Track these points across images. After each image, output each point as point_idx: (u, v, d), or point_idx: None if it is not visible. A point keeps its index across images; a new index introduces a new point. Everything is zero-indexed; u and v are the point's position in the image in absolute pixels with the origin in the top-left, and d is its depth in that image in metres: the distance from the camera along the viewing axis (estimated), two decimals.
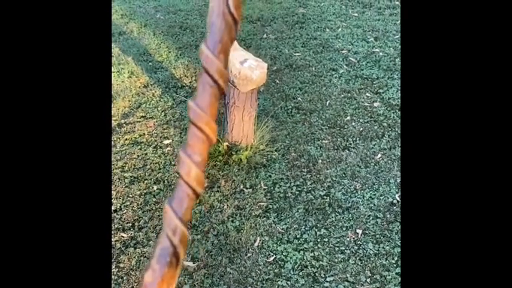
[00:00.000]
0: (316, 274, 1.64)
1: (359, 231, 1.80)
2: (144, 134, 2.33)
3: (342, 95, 2.64)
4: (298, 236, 1.78)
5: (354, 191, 1.99)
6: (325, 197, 1.96)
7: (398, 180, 2.05)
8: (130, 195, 1.97)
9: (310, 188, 2.00)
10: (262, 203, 1.93)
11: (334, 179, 2.06)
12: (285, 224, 1.84)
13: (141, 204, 1.92)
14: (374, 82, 2.76)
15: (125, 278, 1.62)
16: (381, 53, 3.06)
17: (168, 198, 0.37)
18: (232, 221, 1.85)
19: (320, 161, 2.16)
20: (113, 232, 1.80)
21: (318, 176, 2.07)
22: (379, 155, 2.19)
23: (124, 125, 2.41)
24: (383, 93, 2.66)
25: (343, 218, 1.86)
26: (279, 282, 1.61)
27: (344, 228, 1.82)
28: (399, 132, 2.34)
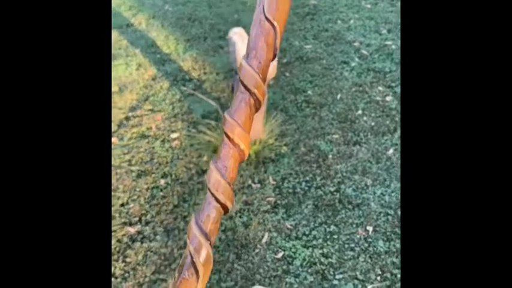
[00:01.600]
0: (325, 271, 1.60)
1: (369, 228, 1.76)
2: (151, 127, 2.31)
3: (353, 89, 2.59)
4: (307, 233, 1.75)
5: (365, 187, 1.94)
6: (335, 193, 1.92)
7: None
8: (138, 189, 1.95)
9: (319, 184, 1.96)
10: (270, 199, 1.90)
11: (344, 174, 2.01)
12: (294, 220, 1.80)
13: (148, 198, 1.91)
14: (386, 75, 2.69)
15: (131, 272, 1.60)
16: (393, 46, 2.99)
17: (195, 212, 0.37)
18: (240, 217, 1.82)
19: (330, 156, 2.12)
20: (119, 226, 1.78)
21: (328, 171, 2.03)
22: (391, 151, 2.14)
23: (132, 118, 2.39)
24: (395, 87, 2.59)
25: (353, 214, 1.82)
26: (287, 279, 1.58)
27: (354, 225, 1.78)
28: None
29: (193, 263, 0.36)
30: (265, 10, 0.34)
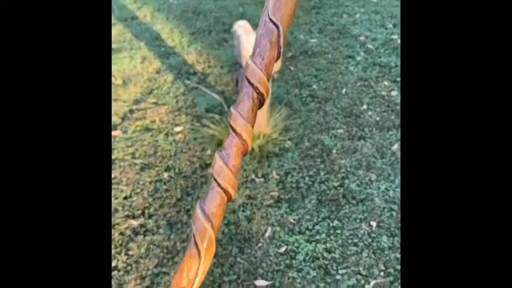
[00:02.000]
0: (328, 266, 1.60)
1: (373, 223, 1.75)
2: (155, 120, 2.31)
3: (359, 83, 2.57)
4: (310, 227, 1.74)
5: (369, 183, 1.93)
6: (339, 188, 1.91)
7: None
8: (141, 182, 1.95)
9: (323, 179, 1.95)
10: (274, 193, 1.89)
11: (348, 169, 2.00)
12: (297, 214, 1.80)
13: (151, 191, 1.90)
14: (392, 70, 2.67)
15: (134, 265, 1.61)
16: (399, 40, 2.96)
17: (200, 199, 0.39)
18: (243, 211, 1.81)
19: (334, 151, 2.10)
20: (122, 219, 1.78)
21: (332, 166, 2.02)
22: (396, 146, 2.12)
23: (135, 111, 2.38)
24: None
25: (357, 209, 1.81)
26: (289, 274, 1.57)
27: (358, 220, 1.77)
28: None
29: (195, 244, 0.38)
30: (269, 12, 0.38)
